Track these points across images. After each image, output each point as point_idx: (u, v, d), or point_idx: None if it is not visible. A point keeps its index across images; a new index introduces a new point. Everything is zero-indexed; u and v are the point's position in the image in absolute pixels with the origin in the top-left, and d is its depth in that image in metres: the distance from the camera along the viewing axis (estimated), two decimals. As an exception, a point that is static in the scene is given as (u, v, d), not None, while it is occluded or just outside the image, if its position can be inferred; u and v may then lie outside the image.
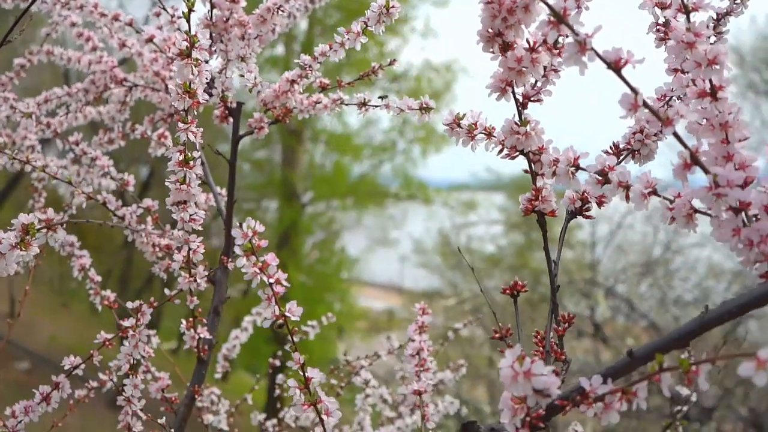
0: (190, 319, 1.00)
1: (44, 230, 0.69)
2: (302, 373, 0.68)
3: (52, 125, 1.21)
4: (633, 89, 0.53)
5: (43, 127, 1.27)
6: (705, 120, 0.57)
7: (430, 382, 0.98)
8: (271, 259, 0.65)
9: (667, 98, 0.71)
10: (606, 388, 0.53)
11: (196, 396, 1.03)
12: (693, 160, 0.54)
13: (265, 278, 0.64)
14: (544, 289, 7.99)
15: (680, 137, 0.54)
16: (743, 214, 0.54)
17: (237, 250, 0.64)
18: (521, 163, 0.69)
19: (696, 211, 0.57)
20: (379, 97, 1.02)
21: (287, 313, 0.66)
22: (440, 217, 11.47)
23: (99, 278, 1.13)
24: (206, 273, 0.95)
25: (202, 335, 1.01)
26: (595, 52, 0.52)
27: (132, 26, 1.13)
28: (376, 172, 12.03)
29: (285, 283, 0.66)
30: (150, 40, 1.07)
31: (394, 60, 1.05)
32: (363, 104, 0.99)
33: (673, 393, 1.14)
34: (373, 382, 1.38)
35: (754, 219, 0.55)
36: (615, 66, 0.52)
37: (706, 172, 0.53)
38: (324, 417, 0.68)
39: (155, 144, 1.22)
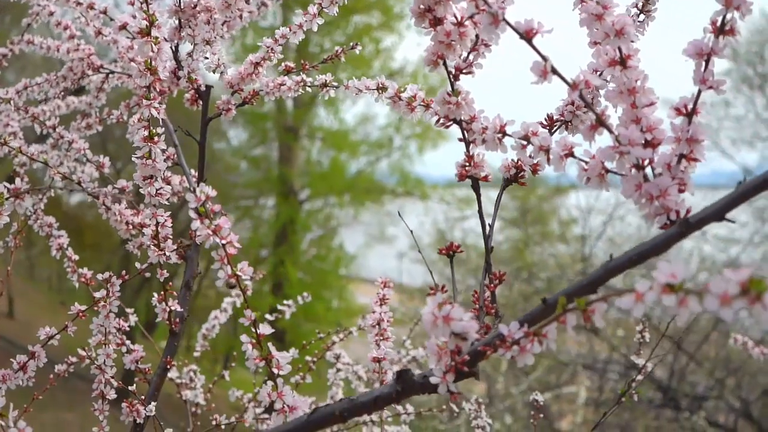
0: (162, 292, 1.04)
1: (12, 199, 0.74)
2: (254, 330, 0.73)
3: (30, 111, 1.25)
4: (543, 57, 0.57)
5: (24, 115, 1.32)
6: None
7: (389, 350, 1.03)
8: (224, 222, 0.70)
9: (598, 72, 0.76)
10: (522, 333, 0.58)
11: (169, 366, 1.08)
12: (599, 122, 0.59)
13: (218, 240, 0.69)
14: (540, 283, 8.05)
15: (587, 101, 0.58)
16: (649, 170, 0.59)
17: (191, 212, 0.69)
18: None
19: (608, 170, 0.61)
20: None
21: (239, 273, 0.70)
22: (436, 213, 11.53)
23: (76, 257, 1.18)
24: (175, 247, 1.00)
25: (173, 308, 1.05)
26: (508, 23, 0.57)
27: (106, 14, 1.17)
28: (373, 169, 12.10)
29: (237, 244, 0.70)
30: (123, 27, 1.12)
31: (357, 44, 1.10)
32: (324, 85, 1.04)
33: (630, 363, 1.19)
34: (346, 358, 1.43)
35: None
36: (527, 36, 0.57)
37: (611, 132, 0.58)
38: (275, 371, 0.72)
39: (132, 129, 1.26)
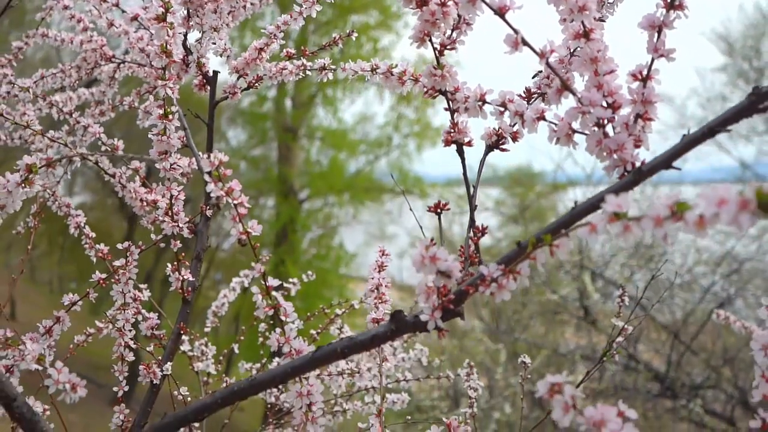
0: (175, 263, 1.13)
1: (44, 168, 0.82)
2: (264, 282, 0.81)
3: (47, 98, 1.33)
4: (515, 30, 0.66)
5: (42, 104, 1.40)
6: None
7: (386, 312, 1.12)
8: (235, 184, 0.78)
9: (571, 48, 0.84)
10: (499, 271, 0.66)
11: (182, 332, 1.16)
12: (564, 86, 0.67)
13: (230, 200, 0.77)
14: (538, 279, 8.13)
15: (553, 68, 0.67)
16: (610, 129, 0.68)
17: (206, 176, 0.77)
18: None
19: (574, 131, 0.70)
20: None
21: (249, 230, 0.79)
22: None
23: (93, 234, 1.26)
24: (187, 219, 1.08)
25: (186, 277, 1.13)
26: (484, 1, 0.65)
27: (118, 6, 1.26)
28: (372, 168, 12.19)
29: (247, 204, 0.78)
30: (135, 18, 1.20)
31: (353, 31, 1.18)
32: (323, 69, 1.12)
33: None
34: (349, 332, 1.51)
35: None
36: (500, 12, 0.65)
37: (575, 95, 0.66)
38: (283, 318, 0.81)
39: (142, 115, 1.34)
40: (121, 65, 1.38)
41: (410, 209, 1.18)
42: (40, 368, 0.77)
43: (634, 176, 0.63)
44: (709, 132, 0.60)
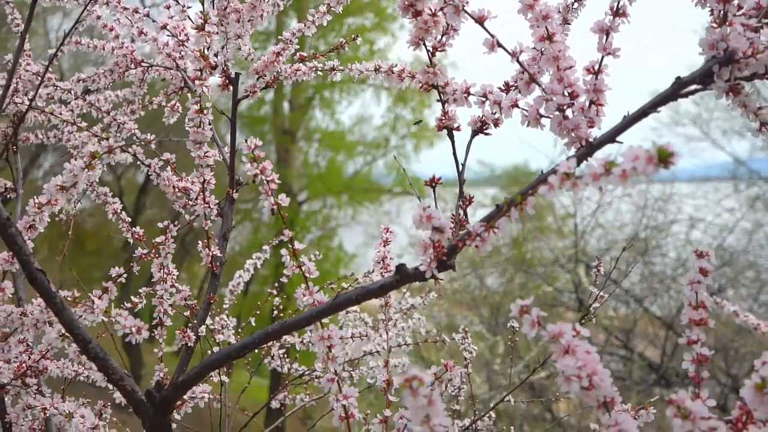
0: (205, 240, 1.29)
1: (107, 154, 0.99)
2: (291, 246, 0.98)
3: (87, 99, 1.50)
4: (492, 35, 0.82)
5: (74, 105, 1.57)
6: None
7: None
8: (268, 164, 0.95)
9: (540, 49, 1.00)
10: (482, 228, 0.83)
11: (211, 301, 1.32)
12: (531, 79, 0.84)
13: (264, 177, 0.94)
14: (538, 278, 8.31)
15: (522, 65, 0.83)
16: (569, 112, 0.84)
17: (244, 157, 0.94)
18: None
19: (541, 115, 0.86)
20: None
21: (280, 201, 0.95)
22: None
23: (129, 219, 1.42)
24: (218, 202, 1.25)
25: (214, 253, 1.30)
26: (466, 12, 0.82)
27: (149, 17, 1.42)
28: (370, 169, 12.36)
29: (277, 180, 0.95)
30: (164, 27, 1.37)
31: (357, 36, 1.35)
32: (332, 69, 1.29)
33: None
34: (354, 306, 1.68)
35: (579, 119, 0.85)
36: (480, 21, 0.82)
37: (540, 86, 0.83)
38: (307, 275, 0.98)
39: (169, 113, 1.51)
40: (150, 69, 1.55)
41: (414, 193, 1.34)
42: (106, 320, 0.94)
43: (587, 149, 0.79)
44: (643, 113, 0.77)
